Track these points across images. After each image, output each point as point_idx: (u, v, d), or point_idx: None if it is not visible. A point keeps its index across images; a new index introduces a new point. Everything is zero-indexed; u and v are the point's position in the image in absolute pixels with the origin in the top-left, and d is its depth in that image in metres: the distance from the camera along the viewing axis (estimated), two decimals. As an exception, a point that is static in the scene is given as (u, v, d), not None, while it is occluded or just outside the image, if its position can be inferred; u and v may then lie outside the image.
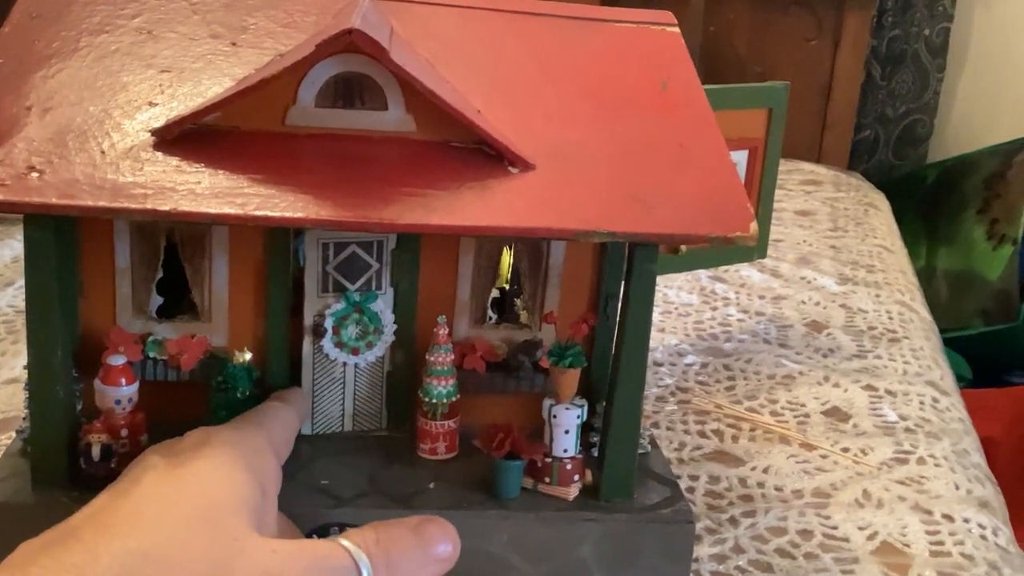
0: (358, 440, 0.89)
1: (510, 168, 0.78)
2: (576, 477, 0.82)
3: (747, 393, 1.23)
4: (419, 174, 0.77)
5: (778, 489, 1.03)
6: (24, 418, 0.84)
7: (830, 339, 1.41)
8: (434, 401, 0.86)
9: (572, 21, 0.96)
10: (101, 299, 0.85)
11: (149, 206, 0.70)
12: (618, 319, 0.81)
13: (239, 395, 0.84)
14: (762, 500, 1.01)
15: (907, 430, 1.17)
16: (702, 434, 1.13)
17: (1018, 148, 3.12)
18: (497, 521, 0.80)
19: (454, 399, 0.86)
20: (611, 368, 0.82)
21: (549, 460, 0.82)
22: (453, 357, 0.86)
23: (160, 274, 0.86)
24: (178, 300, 0.90)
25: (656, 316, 1.29)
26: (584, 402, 0.83)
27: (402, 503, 0.81)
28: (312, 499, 0.80)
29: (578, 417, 0.82)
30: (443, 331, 0.85)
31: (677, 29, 0.97)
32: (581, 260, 0.89)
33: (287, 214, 0.71)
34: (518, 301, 0.95)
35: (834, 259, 1.74)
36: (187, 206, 0.71)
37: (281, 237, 0.85)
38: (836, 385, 1.27)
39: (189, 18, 0.86)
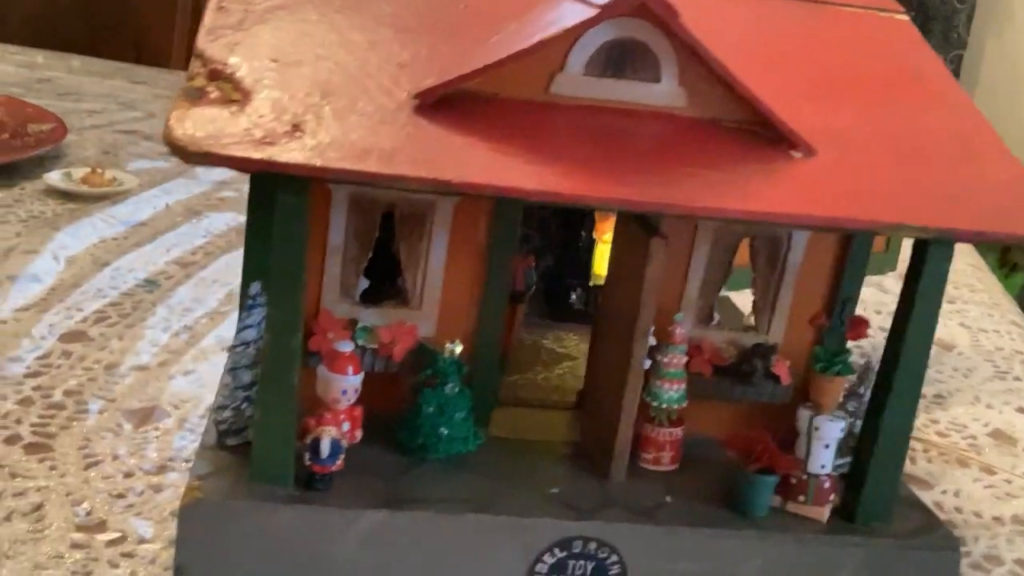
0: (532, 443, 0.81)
1: (792, 152, 0.71)
2: (832, 497, 0.75)
3: (908, 412, 1.16)
4: (696, 154, 0.70)
5: (977, 515, 0.97)
6: (219, 407, 0.75)
7: (963, 358, 1.36)
8: (663, 406, 0.79)
9: (798, 2, 0.89)
10: (309, 278, 0.77)
11: (431, 175, 0.62)
12: (894, 323, 0.74)
13: (447, 391, 0.76)
14: (965, 526, 0.95)
15: (1078, 457, 1.11)
16: (878, 453, 1.07)
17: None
18: (753, 542, 0.73)
19: (684, 405, 0.79)
20: (880, 378, 0.75)
21: (805, 477, 0.75)
22: (687, 359, 0.79)
23: (370, 254, 0.78)
24: (378, 286, 0.82)
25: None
26: (845, 414, 0.76)
27: (646, 516, 0.73)
28: (549, 509, 0.72)
29: (842, 430, 0.75)
30: (679, 330, 0.78)
31: (907, 17, 0.91)
32: (820, 259, 0.82)
33: (582, 192, 0.64)
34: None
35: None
36: (472, 176, 0.63)
37: (509, 219, 0.77)
38: (989, 407, 1.21)
39: (414, -26, 0.78)
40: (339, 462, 0.70)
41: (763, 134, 0.72)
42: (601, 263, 1.09)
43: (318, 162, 0.62)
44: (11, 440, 0.87)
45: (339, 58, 0.70)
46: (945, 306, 1.53)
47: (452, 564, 0.70)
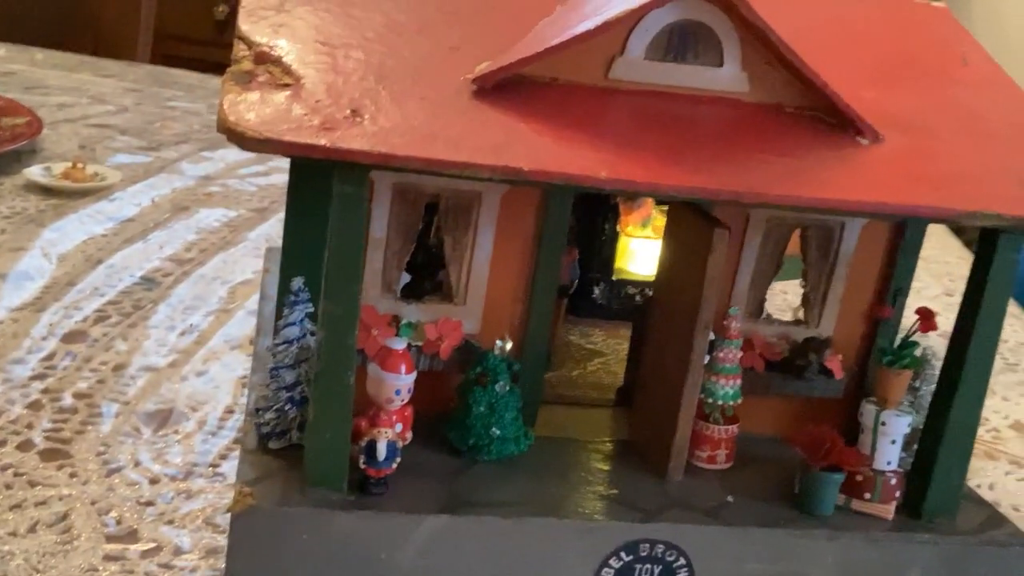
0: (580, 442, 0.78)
1: (859, 138, 0.69)
2: (897, 494, 0.73)
3: (930, 404, 1.15)
4: (764, 141, 0.67)
5: (1016, 509, 0.96)
6: (260, 409, 0.71)
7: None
8: (719, 403, 0.76)
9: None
10: (347, 273, 0.73)
11: (502, 162, 0.59)
12: (961, 315, 0.72)
13: (498, 389, 0.73)
14: (1005, 520, 0.94)
15: (1101, 447, 1.10)
16: (907, 447, 1.05)
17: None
18: (824, 542, 0.70)
19: (739, 401, 0.77)
20: (946, 371, 0.73)
21: (871, 474, 0.73)
22: (742, 354, 0.76)
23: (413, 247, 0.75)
24: (419, 280, 0.79)
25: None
26: (912, 410, 0.74)
27: (712, 516, 0.70)
28: (613, 511, 0.69)
29: (908, 425, 0.73)
30: (735, 324, 0.76)
31: (942, 3, 0.89)
32: (872, 249, 0.80)
33: (657, 180, 0.61)
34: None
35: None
36: (543, 164, 0.60)
37: (559, 209, 0.74)
38: (1006, 399, 1.20)
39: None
40: (394, 465, 0.67)
41: (826, 120, 0.70)
42: (623, 257, 1.06)
43: (383, 149, 0.58)
44: (24, 446, 0.83)
45: (389, 41, 0.67)
46: (945, 299, 1.53)
47: (516, 569, 0.67)
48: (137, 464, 0.82)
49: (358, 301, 0.63)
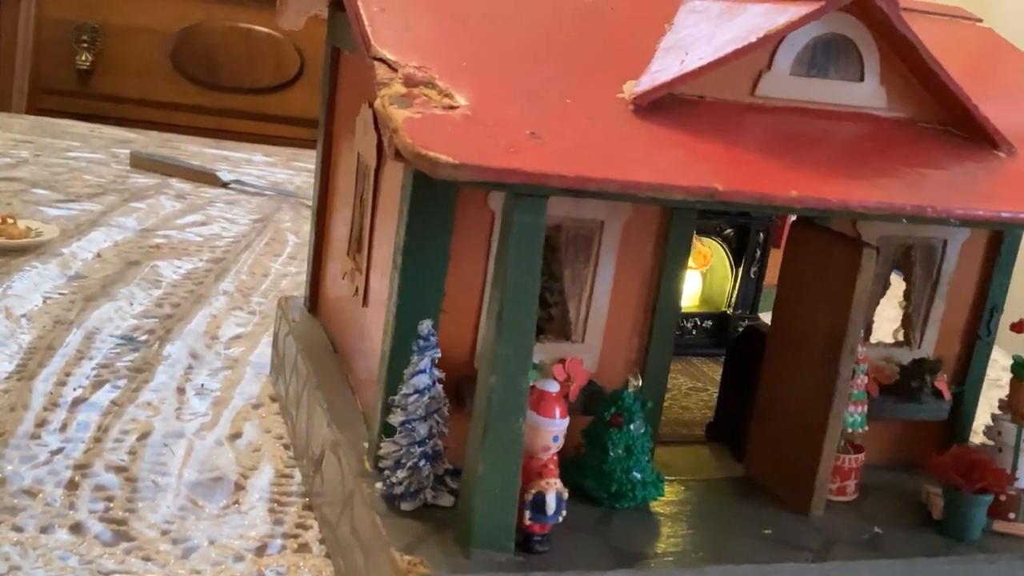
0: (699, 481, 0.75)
1: (995, 152, 0.68)
2: (1039, 511, 0.72)
3: None
4: (914, 156, 0.65)
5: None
6: (385, 469, 0.65)
7: None
8: (848, 430, 0.73)
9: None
10: (463, 313, 0.68)
11: (697, 183, 0.55)
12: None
13: (633, 429, 0.69)
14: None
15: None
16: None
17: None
18: (984, 566, 0.68)
19: (865, 428, 0.74)
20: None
21: (1015, 492, 0.71)
22: (867, 380, 0.74)
23: (530, 284, 0.70)
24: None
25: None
26: (1037, 423, 0.73)
27: (876, 550, 0.68)
28: (780, 552, 0.66)
29: (1048, 440, 0.72)
30: (861, 348, 0.73)
31: (986, 24, 0.90)
32: (969, 267, 0.79)
33: (845, 197, 0.58)
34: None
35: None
36: (734, 183, 0.56)
37: (682, 236, 0.71)
38: None
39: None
40: (560, 518, 0.61)
41: (959, 134, 0.68)
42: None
43: (578, 171, 0.53)
44: (77, 530, 0.73)
45: (524, 64, 0.63)
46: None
47: (696, 622, 0.62)
48: (212, 541, 0.73)
49: (532, 340, 0.58)
